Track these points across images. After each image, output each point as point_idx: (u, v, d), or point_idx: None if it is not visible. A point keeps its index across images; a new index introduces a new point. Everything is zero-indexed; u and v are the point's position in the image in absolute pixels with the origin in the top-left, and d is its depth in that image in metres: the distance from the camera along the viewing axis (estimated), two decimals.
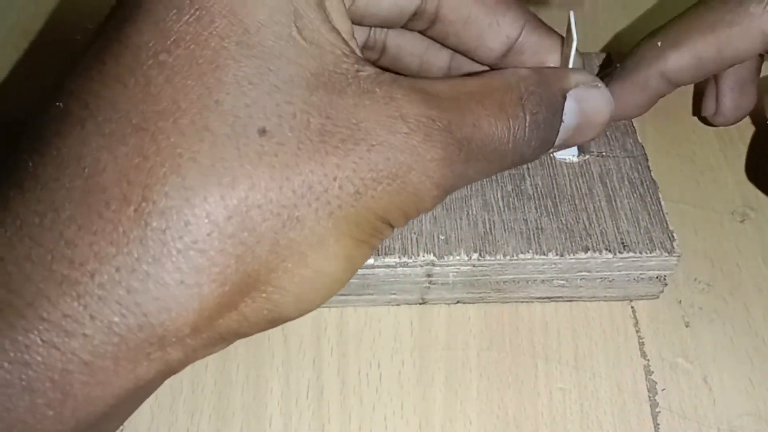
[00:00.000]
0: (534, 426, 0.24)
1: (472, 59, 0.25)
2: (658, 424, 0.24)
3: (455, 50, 0.25)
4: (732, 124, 0.30)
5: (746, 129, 0.33)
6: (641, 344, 0.26)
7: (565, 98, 0.21)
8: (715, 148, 0.32)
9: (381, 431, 0.24)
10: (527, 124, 0.20)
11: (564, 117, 0.21)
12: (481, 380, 0.25)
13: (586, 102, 0.22)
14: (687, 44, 0.26)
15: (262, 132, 0.16)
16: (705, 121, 0.31)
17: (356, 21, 0.22)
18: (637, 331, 0.26)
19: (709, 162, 0.32)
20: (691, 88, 0.35)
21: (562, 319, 0.26)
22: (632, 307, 0.27)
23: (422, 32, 0.24)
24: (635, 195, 0.26)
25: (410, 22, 0.23)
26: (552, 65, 0.24)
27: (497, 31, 0.24)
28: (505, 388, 0.25)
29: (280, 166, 0.16)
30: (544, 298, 0.26)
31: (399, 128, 0.18)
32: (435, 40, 0.25)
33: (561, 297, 0.26)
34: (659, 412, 0.24)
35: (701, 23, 0.26)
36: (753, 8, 0.25)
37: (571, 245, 0.24)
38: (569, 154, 0.27)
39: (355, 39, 0.20)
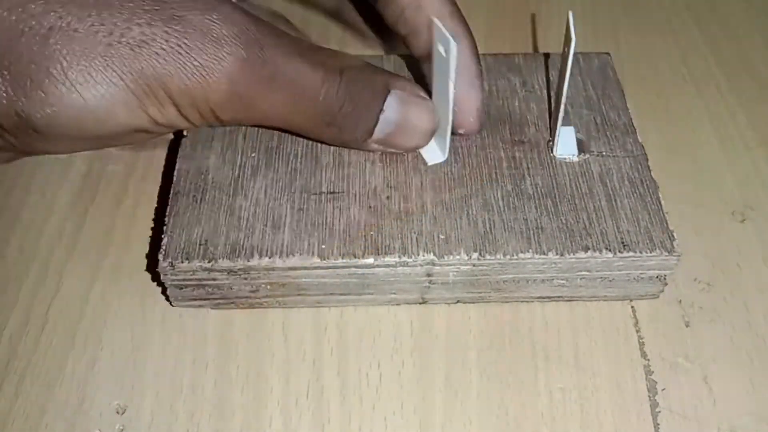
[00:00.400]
0: (534, 426, 0.24)
1: (408, 47, 0.27)
2: (658, 424, 0.24)
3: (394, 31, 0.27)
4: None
5: (746, 129, 0.33)
6: (641, 344, 0.26)
7: (388, 92, 0.24)
8: (715, 148, 0.32)
9: (381, 431, 0.24)
10: (340, 85, 0.23)
11: (385, 107, 0.24)
12: (481, 380, 0.25)
13: (409, 105, 0.24)
14: None
15: None
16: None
17: None
18: (637, 331, 0.26)
19: (709, 162, 0.32)
20: (691, 88, 0.35)
21: (562, 319, 0.26)
22: (632, 307, 0.27)
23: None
24: (635, 195, 0.26)
25: None
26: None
27: None
28: (505, 388, 0.25)
29: None
30: (544, 298, 0.26)
31: (211, 15, 0.21)
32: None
33: (561, 297, 0.26)
34: (659, 412, 0.24)
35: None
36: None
37: (571, 245, 0.24)
38: (569, 153, 0.27)
39: None
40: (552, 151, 0.27)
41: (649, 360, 0.25)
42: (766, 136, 0.33)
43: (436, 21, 0.22)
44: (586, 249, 0.24)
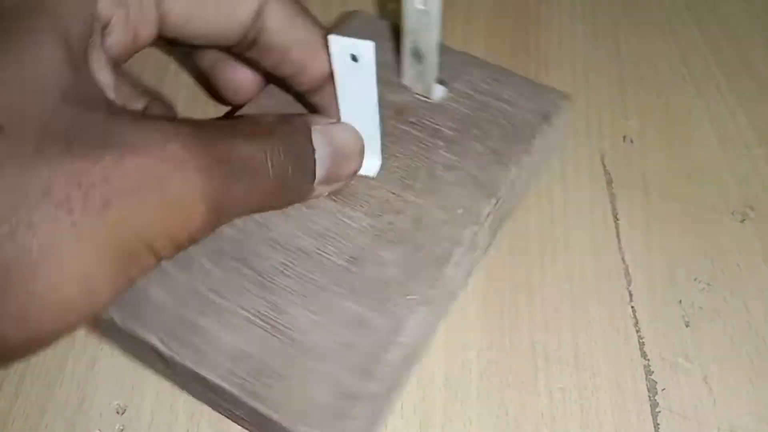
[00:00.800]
0: (534, 426, 0.24)
1: (294, 85, 0.25)
2: (658, 424, 0.24)
3: (273, 74, 0.25)
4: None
5: (746, 129, 0.33)
6: (641, 344, 0.26)
7: (310, 129, 0.23)
8: (715, 148, 0.32)
9: (381, 431, 0.24)
10: (279, 148, 0.21)
11: (315, 146, 0.23)
12: (481, 380, 0.25)
13: (332, 134, 0.24)
14: None
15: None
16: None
17: (170, 35, 0.23)
18: (637, 331, 0.26)
19: (709, 162, 0.32)
20: (691, 88, 0.35)
21: (562, 319, 0.26)
22: (632, 307, 0.27)
23: (240, 55, 0.25)
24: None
25: (235, 46, 0.24)
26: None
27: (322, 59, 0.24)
28: (505, 388, 0.25)
29: (12, 166, 0.15)
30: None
31: (155, 137, 0.18)
32: (251, 63, 0.25)
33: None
34: (659, 412, 0.24)
35: None
36: None
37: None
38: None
39: (124, 90, 0.21)
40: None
41: (649, 360, 0.25)
42: (766, 136, 0.33)
43: (335, 37, 0.22)
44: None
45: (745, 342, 0.26)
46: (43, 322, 0.16)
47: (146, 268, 0.18)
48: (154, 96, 0.25)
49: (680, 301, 0.27)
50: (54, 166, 0.16)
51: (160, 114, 0.25)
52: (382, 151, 0.26)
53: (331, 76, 0.24)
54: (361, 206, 0.25)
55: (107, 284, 0.17)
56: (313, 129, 0.23)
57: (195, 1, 0.22)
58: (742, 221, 0.30)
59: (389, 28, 0.32)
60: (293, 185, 0.23)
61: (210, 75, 0.27)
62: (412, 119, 0.28)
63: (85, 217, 0.16)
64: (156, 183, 0.17)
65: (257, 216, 0.25)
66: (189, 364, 0.21)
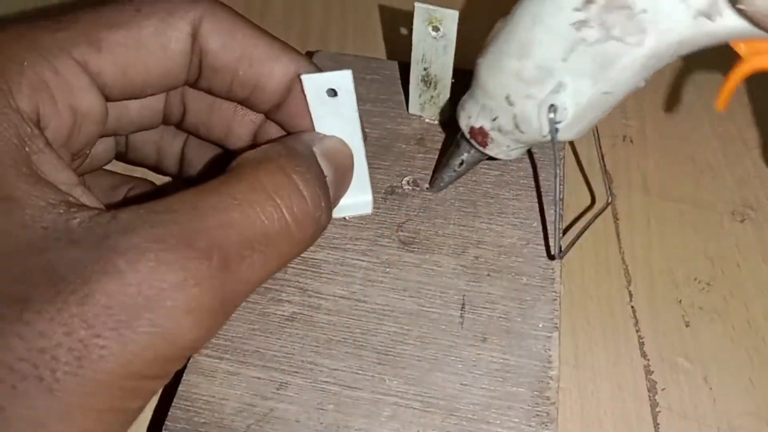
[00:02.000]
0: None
1: (227, 148, 0.24)
2: (658, 424, 0.24)
3: (208, 140, 0.24)
4: None
5: (746, 129, 0.33)
6: (641, 344, 0.26)
7: (314, 154, 0.21)
8: (715, 148, 0.32)
9: None
10: (305, 185, 0.19)
11: (325, 170, 0.21)
12: None
13: (332, 153, 0.22)
14: None
15: None
16: None
17: (111, 133, 0.22)
18: (637, 331, 0.26)
19: (709, 162, 0.32)
20: (691, 89, 0.35)
21: (561, 319, 0.26)
22: (632, 307, 0.27)
23: (177, 126, 0.24)
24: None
25: (164, 121, 0.23)
26: (306, 129, 0.23)
27: (242, 118, 0.23)
28: None
29: None
30: None
31: (118, 266, 0.15)
32: (190, 132, 0.24)
33: None
34: (659, 411, 0.24)
35: None
36: None
37: None
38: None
39: (82, 186, 0.18)
40: None
41: (649, 360, 0.25)
42: (766, 136, 0.33)
43: (308, 76, 0.20)
44: None
45: (745, 342, 0.26)
46: None
47: (151, 394, 0.17)
48: (134, 179, 0.25)
49: (680, 301, 0.27)
50: (9, 338, 0.14)
51: (143, 191, 0.24)
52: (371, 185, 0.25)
53: (289, 87, 0.21)
54: (440, 248, 0.24)
55: (117, 428, 0.16)
56: (315, 151, 0.21)
57: (123, 49, 0.19)
58: (742, 221, 0.30)
59: (356, 62, 0.30)
60: (324, 223, 0.21)
61: (186, 164, 0.25)
62: (438, 146, 0.27)
63: (63, 380, 0.15)
64: (130, 317, 0.15)
65: (343, 291, 0.23)
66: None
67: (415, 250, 0.24)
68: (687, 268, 0.28)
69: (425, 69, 0.26)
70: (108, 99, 0.20)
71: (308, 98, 0.21)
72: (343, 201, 0.24)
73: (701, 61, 0.37)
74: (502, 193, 0.26)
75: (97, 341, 0.15)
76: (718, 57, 0.38)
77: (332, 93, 0.21)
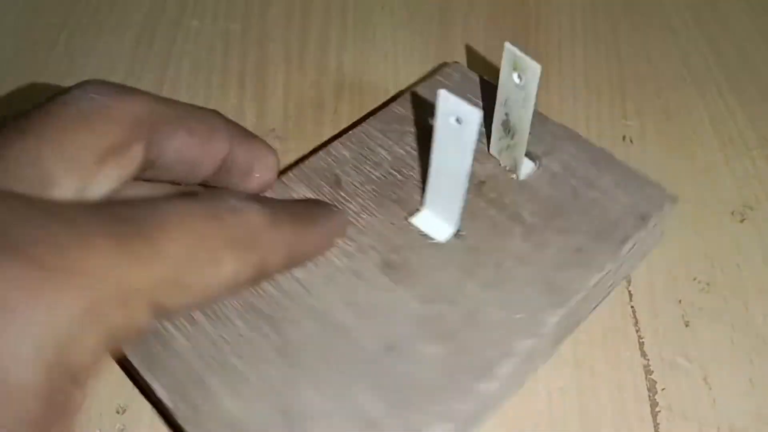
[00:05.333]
0: (534, 426, 0.24)
1: (189, 181, 0.24)
2: (658, 424, 0.24)
3: (170, 182, 0.23)
4: None
5: (746, 129, 0.33)
6: (641, 344, 0.26)
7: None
8: (715, 148, 0.32)
9: None
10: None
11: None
12: None
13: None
14: None
15: None
16: None
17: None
18: (637, 331, 0.26)
19: (709, 162, 0.32)
20: (691, 88, 0.35)
21: None
22: (632, 307, 0.27)
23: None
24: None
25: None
26: (262, 172, 0.24)
27: (209, 155, 0.22)
28: None
29: None
30: None
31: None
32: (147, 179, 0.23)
33: None
34: (659, 411, 0.24)
35: None
36: None
37: None
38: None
39: None
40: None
41: (648, 360, 0.25)
42: (766, 136, 0.33)
43: (446, 93, 0.21)
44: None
45: (745, 342, 0.26)
46: None
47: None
48: None
49: (680, 301, 0.27)
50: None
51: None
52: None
53: (226, 155, 0.22)
54: (414, 287, 0.23)
55: None
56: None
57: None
58: (742, 221, 0.30)
59: (479, 85, 0.29)
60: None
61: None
62: (493, 194, 0.25)
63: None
64: None
65: (302, 277, 0.23)
66: (180, 420, 0.20)
67: (394, 275, 0.24)
68: (687, 268, 0.28)
69: (506, 114, 0.25)
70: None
71: (437, 112, 0.22)
72: (429, 216, 0.25)
73: (702, 60, 0.37)
74: (516, 270, 0.24)
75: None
76: (718, 57, 0.38)
77: (458, 121, 0.21)
